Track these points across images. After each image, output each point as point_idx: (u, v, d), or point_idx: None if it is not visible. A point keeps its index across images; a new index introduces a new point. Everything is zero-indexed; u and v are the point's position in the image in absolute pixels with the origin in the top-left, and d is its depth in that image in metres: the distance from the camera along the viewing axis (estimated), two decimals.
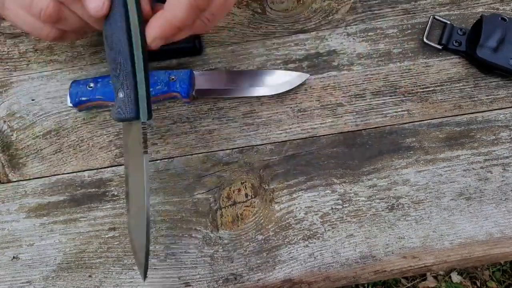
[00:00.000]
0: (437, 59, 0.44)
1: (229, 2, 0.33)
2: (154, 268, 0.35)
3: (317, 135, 0.40)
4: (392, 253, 0.35)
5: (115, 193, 0.39)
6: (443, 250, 0.35)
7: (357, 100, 0.42)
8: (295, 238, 0.36)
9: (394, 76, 0.43)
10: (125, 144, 0.34)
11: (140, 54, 0.32)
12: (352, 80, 0.43)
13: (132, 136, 0.33)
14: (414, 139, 0.39)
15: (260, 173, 0.39)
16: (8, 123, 0.42)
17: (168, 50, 0.43)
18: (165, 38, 0.32)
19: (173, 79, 0.41)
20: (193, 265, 0.35)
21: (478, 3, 0.46)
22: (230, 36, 0.46)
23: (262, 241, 0.36)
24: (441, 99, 0.41)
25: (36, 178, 0.40)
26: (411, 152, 0.39)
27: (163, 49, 0.43)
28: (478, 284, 1.05)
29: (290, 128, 0.41)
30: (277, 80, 0.42)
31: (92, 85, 0.41)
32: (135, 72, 0.32)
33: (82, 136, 0.41)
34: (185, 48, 0.43)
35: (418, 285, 1.05)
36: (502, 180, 0.37)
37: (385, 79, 0.42)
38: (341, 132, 0.40)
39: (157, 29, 0.31)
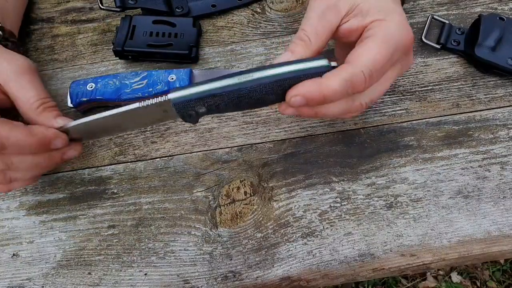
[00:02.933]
0: (436, 58, 0.44)
1: (384, 88, 0.32)
2: (153, 266, 0.35)
3: (316, 133, 0.40)
4: (391, 251, 0.35)
5: (115, 191, 0.39)
6: (441, 248, 0.35)
7: None
8: (294, 236, 0.36)
9: None
10: None
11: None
12: None
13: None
14: (413, 137, 0.40)
15: (259, 171, 0.39)
16: None
17: (164, 53, 0.44)
18: (306, 99, 0.30)
19: (173, 78, 0.41)
20: (192, 263, 0.35)
21: (476, 3, 0.46)
22: (230, 35, 0.47)
23: (261, 239, 0.36)
24: (439, 98, 0.41)
25: None
26: (410, 150, 0.39)
27: (160, 51, 0.43)
28: (478, 284, 1.05)
29: (289, 127, 0.41)
30: None
31: (92, 85, 0.41)
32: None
33: None
34: (180, 54, 0.44)
35: (418, 285, 1.05)
36: (500, 179, 0.37)
37: None
38: (340, 131, 0.40)
39: (305, 87, 0.30)
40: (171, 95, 0.31)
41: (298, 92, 0.30)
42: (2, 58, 0.34)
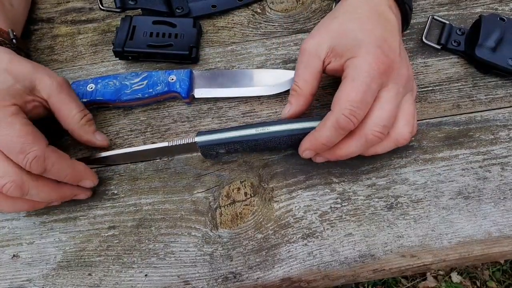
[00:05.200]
0: (436, 59, 0.44)
1: (389, 110, 0.34)
2: (154, 267, 0.35)
3: None
4: (391, 252, 0.35)
5: (115, 192, 0.39)
6: (441, 249, 0.35)
7: None
8: (294, 237, 0.36)
9: None
10: None
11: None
12: None
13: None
14: (413, 138, 0.40)
15: (259, 172, 0.39)
16: None
17: (164, 53, 0.44)
18: (313, 151, 0.36)
19: (173, 79, 0.41)
20: (193, 264, 0.35)
21: (477, 3, 0.46)
22: (230, 35, 0.47)
23: (261, 240, 0.36)
24: (440, 99, 0.41)
25: None
26: (410, 151, 0.39)
27: (160, 51, 0.43)
28: (478, 284, 1.05)
29: None
30: (277, 80, 0.42)
31: (92, 86, 0.41)
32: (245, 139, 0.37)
33: None
34: (180, 54, 0.44)
35: (418, 285, 1.05)
36: (501, 180, 0.37)
37: None
38: None
39: (307, 142, 0.35)
40: (198, 139, 0.37)
41: (304, 148, 0.36)
42: (44, 74, 0.36)
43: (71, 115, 0.37)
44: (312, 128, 0.36)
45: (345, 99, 0.33)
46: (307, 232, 0.36)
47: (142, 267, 0.36)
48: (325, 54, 0.36)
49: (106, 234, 0.37)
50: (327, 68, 0.37)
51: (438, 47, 0.43)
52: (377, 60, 0.33)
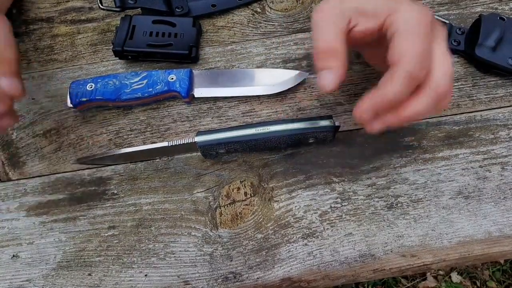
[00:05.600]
0: None
1: (447, 60, 0.31)
2: (154, 267, 0.35)
3: None
4: (391, 251, 0.35)
5: (115, 192, 0.39)
6: (442, 248, 0.35)
7: (356, 99, 0.41)
8: (294, 237, 0.36)
9: None
10: None
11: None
12: (351, 79, 0.43)
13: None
14: (413, 138, 0.40)
15: (259, 172, 0.39)
16: None
17: (164, 53, 0.44)
18: (374, 111, 0.30)
19: (172, 78, 0.41)
20: (193, 264, 0.35)
21: (477, 3, 0.46)
22: (230, 35, 0.47)
23: (261, 240, 0.36)
24: None
25: (36, 176, 0.40)
26: (410, 151, 0.39)
27: (160, 51, 0.43)
28: (478, 284, 1.05)
29: None
30: (277, 79, 0.42)
31: (92, 85, 0.41)
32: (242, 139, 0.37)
33: (82, 135, 0.42)
34: (180, 54, 0.43)
35: (418, 285, 1.05)
36: (501, 179, 0.37)
37: None
38: (340, 131, 0.40)
39: (367, 102, 0.30)
40: (197, 139, 0.37)
41: (364, 108, 0.30)
42: None
43: None
44: (313, 128, 0.36)
45: (410, 49, 0.29)
46: (307, 232, 0.36)
47: (142, 267, 0.35)
48: (350, 13, 0.31)
49: (106, 234, 0.37)
50: (354, 30, 0.31)
51: None
52: (421, 13, 0.30)
